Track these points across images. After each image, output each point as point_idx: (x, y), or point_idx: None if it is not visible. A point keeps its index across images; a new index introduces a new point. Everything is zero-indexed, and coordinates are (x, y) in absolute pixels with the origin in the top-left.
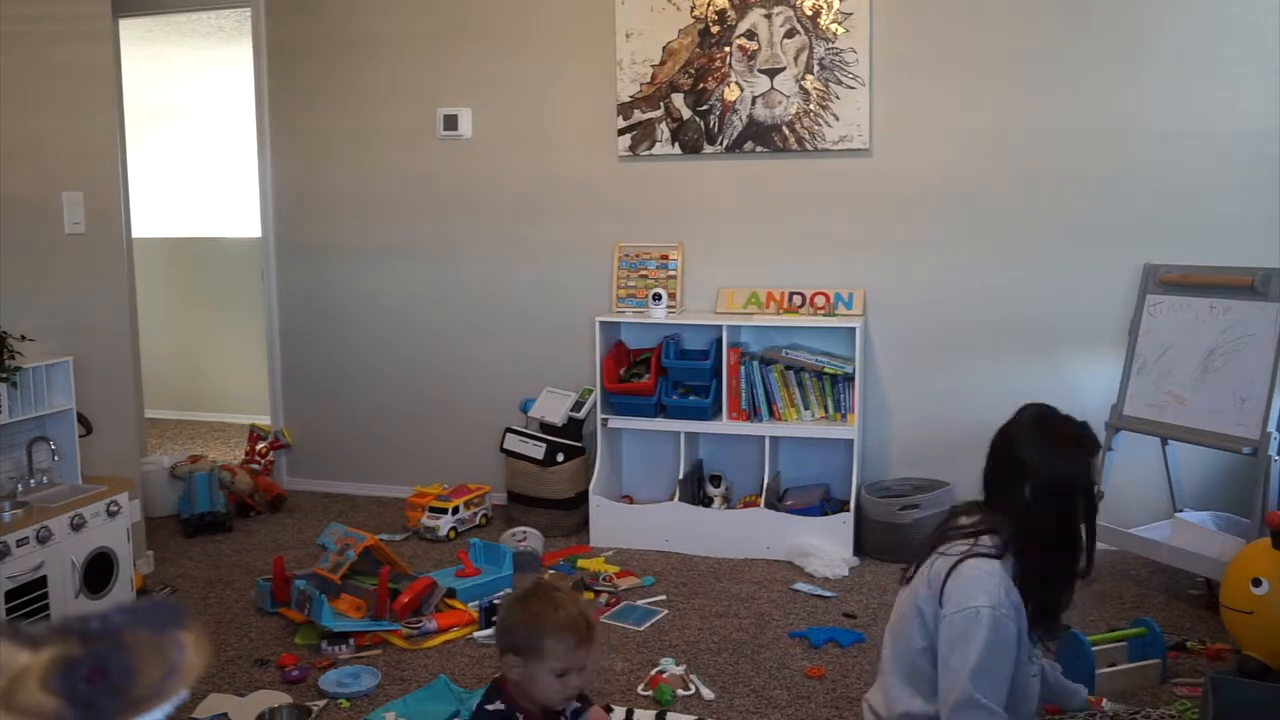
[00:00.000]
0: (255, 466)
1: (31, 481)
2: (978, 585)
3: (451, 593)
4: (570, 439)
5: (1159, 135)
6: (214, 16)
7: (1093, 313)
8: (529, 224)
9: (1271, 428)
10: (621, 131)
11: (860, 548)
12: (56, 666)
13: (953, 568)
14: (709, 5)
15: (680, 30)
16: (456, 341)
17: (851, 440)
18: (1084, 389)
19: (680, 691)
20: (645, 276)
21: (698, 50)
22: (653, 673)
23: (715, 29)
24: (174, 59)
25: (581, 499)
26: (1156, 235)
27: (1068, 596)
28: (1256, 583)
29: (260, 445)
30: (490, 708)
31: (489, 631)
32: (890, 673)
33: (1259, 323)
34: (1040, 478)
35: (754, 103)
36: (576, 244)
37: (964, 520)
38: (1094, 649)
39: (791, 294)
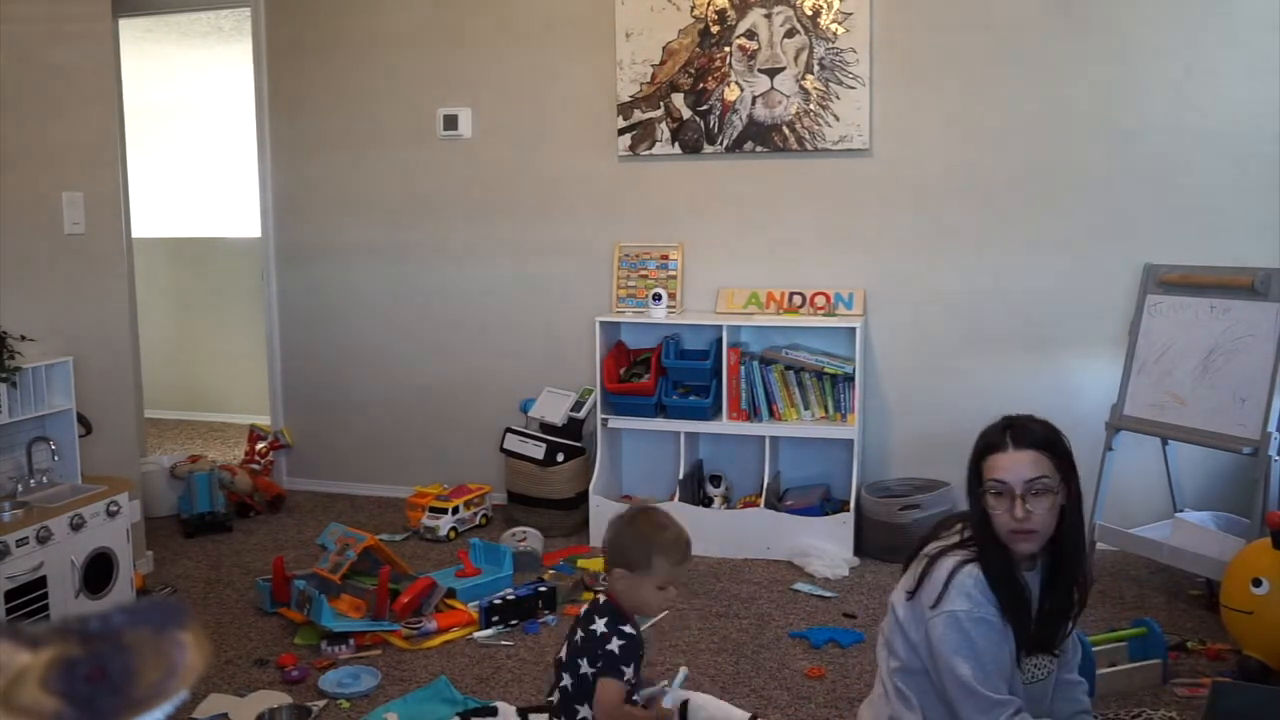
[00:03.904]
0: (255, 466)
1: (31, 481)
2: (954, 586)
3: (451, 593)
4: (570, 439)
5: (1159, 134)
6: (214, 16)
7: (1093, 313)
8: (529, 224)
9: (1271, 428)
10: (621, 131)
11: (860, 548)
12: (56, 666)
13: (930, 561)
14: (709, 5)
15: (680, 30)
16: (456, 341)
17: (851, 440)
18: (1084, 389)
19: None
20: (645, 276)
21: (698, 50)
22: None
23: (715, 29)
24: (174, 59)
25: (581, 499)
26: (1156, 235)
27: (1017, 596)
28: (1256, 583)
29: (260, 445)
30: (627, 629)
31: (489, 631)
32: (881, 682)
33: (1259, 323)
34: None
35: (754, 103)
36: (576, 244)
37: (956, 525)
38: (1094, 649)
39: (791, 294)
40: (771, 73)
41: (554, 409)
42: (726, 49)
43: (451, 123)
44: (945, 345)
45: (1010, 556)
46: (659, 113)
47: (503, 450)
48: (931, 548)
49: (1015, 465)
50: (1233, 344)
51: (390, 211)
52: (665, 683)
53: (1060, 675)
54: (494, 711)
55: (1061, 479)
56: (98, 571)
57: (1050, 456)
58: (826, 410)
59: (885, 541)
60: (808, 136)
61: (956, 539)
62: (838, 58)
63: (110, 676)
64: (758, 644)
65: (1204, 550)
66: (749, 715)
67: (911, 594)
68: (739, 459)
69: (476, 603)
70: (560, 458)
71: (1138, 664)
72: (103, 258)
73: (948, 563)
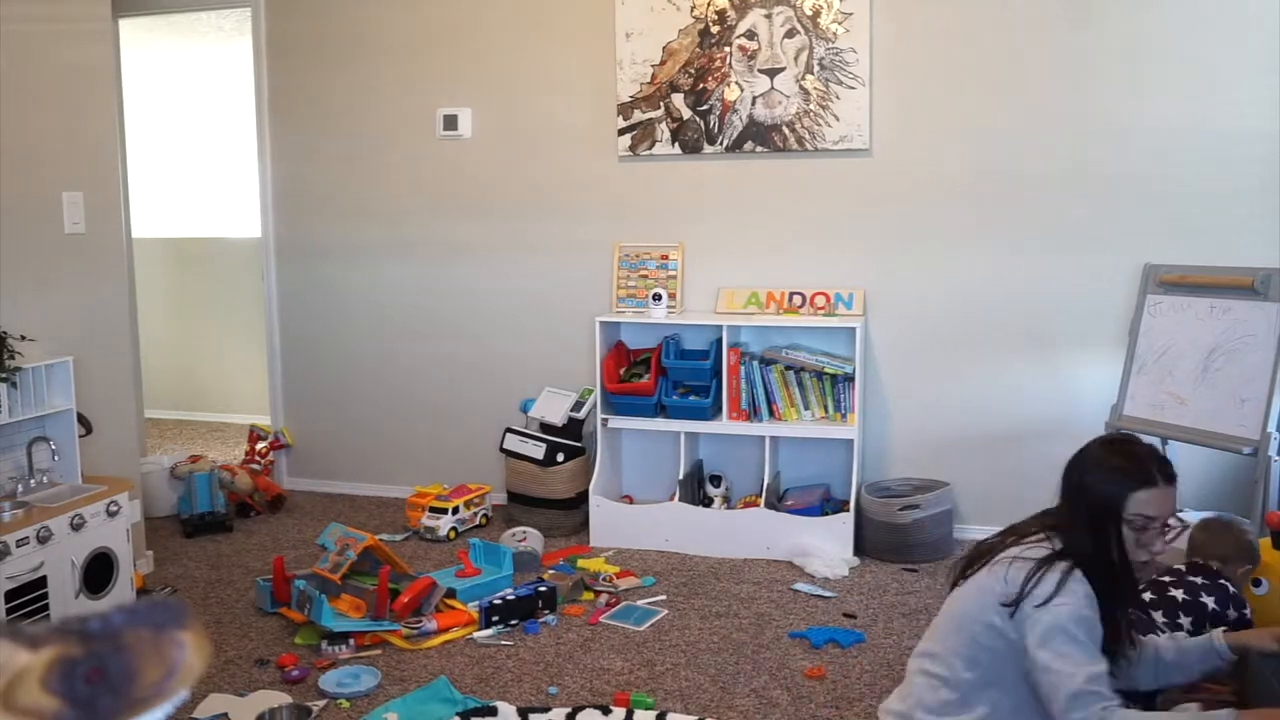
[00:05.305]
0: (255, 466)
1: (31, 481)
2: (1068, 589)
3: (451, 593)
4: (570, 439)
5: (1158, 135)
6: (214, 16)
7: (1093, 313)
8: (529, 224)
9: (1271, 428)
10: (621, 131)
11: (860, 548)
12: (56, 666)
13: (1038, 566)
14: (709, 5)
15: (680, 30)
16: (456, 341)
17: (851, 440)
18: (1084, 389)
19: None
20: (645, 276)
21: (698, 50)
22: None
23: (715, 29)
24: (174, 59)
25: (581, 499)
26: (1156, 235)
27: (1120, 621)
28: (1256, 583)
29: (260, 445)
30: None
31: (489, 631)
32: (930, 676)
33: (1259, 323)
34: (1081, 496)
35: (754, 103)
36: (576, 244)
37: (1030, 533)
38: None
39: (791, 294)
40: (771, 73)
41: (554, 409)
42: (726, 49)
43: (451, 123)
44: (945, 345)
45: (1123, 580)
46: (659, 113)
47: (503, 450)
48: (1019, 551)
49: (1167, 502)
50: (1233, 344)
51: (390, 211)
52: None
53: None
54: (494, 711)
55: None
56: (98, 571)
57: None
58: (826, 410)
59: (885, 541)
60: (808, 136)
61: (1046, 549)
62: (838, 58)
63: (110, 677)
64: (758, 644)
65: None
66: None
67: (1011, 604)
68: (739, 459)
69: (476, 603)
70: (560, 458)
71: None
72: (103, 258)
73: (1061, 566)
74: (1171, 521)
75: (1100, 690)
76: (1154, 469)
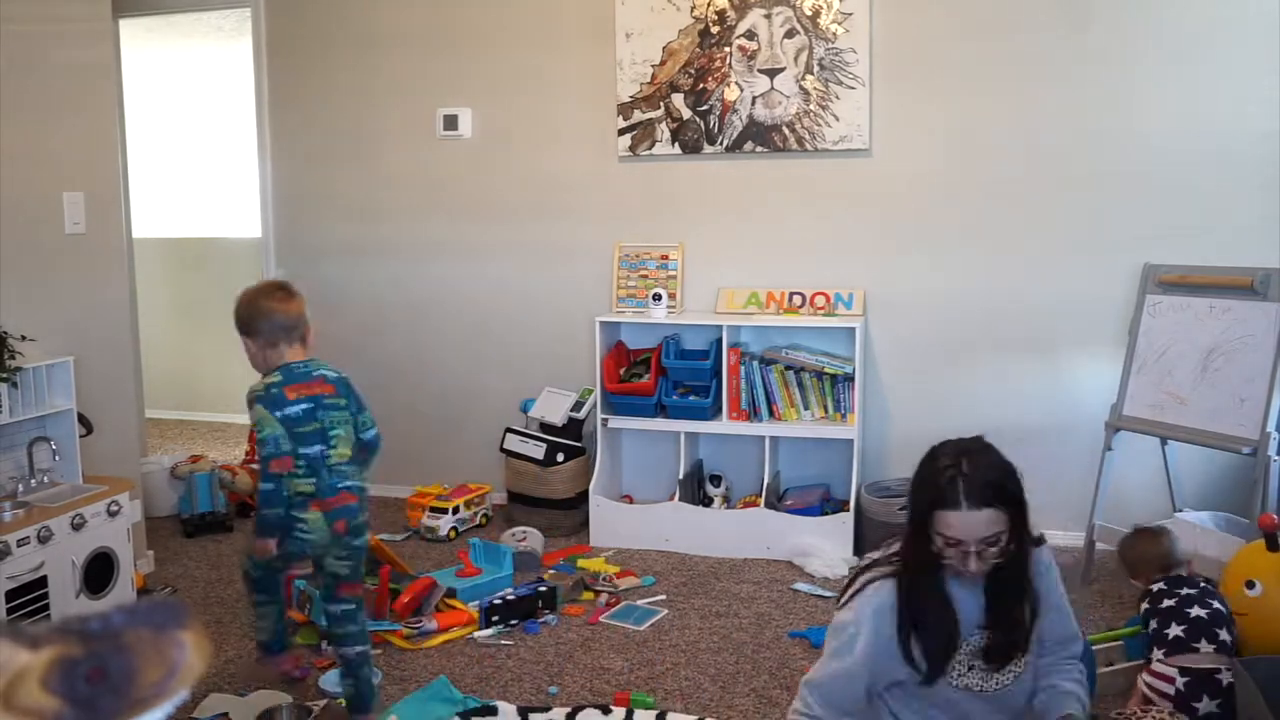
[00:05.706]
0: (255, 466)
1: (32, 481)
2: (857, 598)
3: (451, 593)
4: (570, 439)
5: (1159, 135)
6: (214, 16)
7: (1093, 313)
8: (529, 224)
9: (1271, 428)
10: (621, 131)
11: (860, 548)
12: (56, 666)
13: (853, 578)
14: (709, 5)
15: (680, 30)
16: (456, 341)
17: (851, 440)
18: (1084, 389)
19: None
20: (645, 276)
21: (698, 50)
22: None
23: (715, 29)
24: (174, 59)
25: (581, 499)
26: (1156, 235)
27: (942, 614)
28: (1250, 585)
29: None
30: None
31: (489, 631)
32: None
33: (1259, 323)
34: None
35: (754, 103)
36: (576, 244)
37: (895, 542)
38: (1093, 648)
39: (791, 294)
40: (771, 73)
41: (554, 409)
42: (726, 49)
43: (451, 123)
44: (945, 345)
45: (941, 577)
46: (659, 113)
47: (503, 450)
48: (873, 556)
49: (969, 526)
50: (1232, 344)
51: (390, 211)
52: None
53: (1045, 663)
54: (494, 711)
55: (1011, 521)
56: (98, 571)
57: (1004, 509)
58: (826, 410)
59: (885, 541)
60: (808, 137)
61: (886, 553)
62: (838, 58)
63: (110, 677)
64: (758, 644)
65: (1203, 551)
66: None
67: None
68: (739, 459)
69: (476, 603)
70: (560, 458)
71: (1135, 663)
72: (103, 258)
73: (867, 575)
74: (978, 548)
75: (805, 697)
76: (960, 490)
